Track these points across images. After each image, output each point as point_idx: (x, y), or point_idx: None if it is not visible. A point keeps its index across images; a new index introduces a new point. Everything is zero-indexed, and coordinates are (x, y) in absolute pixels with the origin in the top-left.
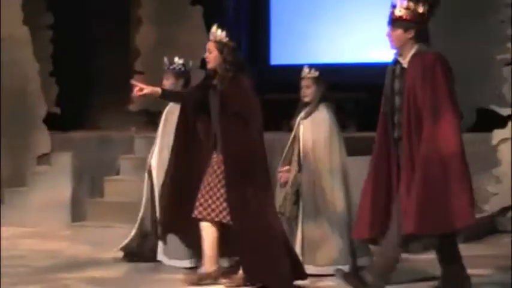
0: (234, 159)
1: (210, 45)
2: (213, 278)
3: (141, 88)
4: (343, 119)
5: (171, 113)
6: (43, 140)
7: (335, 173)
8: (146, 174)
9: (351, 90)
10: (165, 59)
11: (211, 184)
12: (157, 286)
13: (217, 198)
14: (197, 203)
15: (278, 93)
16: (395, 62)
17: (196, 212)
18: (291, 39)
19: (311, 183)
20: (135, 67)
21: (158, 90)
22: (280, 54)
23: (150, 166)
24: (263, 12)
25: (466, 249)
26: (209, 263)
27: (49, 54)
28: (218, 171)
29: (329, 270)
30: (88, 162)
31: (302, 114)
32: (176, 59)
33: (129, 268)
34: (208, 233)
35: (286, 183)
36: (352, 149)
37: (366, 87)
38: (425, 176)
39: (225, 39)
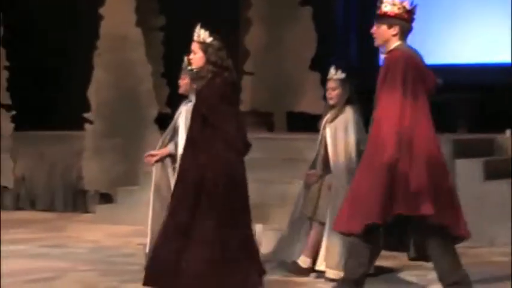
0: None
1: (194, 46)
2: None
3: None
4: (454, 119)
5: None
6: (155, 140)
7: None
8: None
9: (464, 91)
10: (185, 59)
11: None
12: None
13: None
14: None
15: None
16: None
17: None
18: None
19: (338, 187)
20: (244, 68)
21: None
22: None
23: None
24: (372, 12)
25: None
26: None
27: (160, 55)
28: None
29: None
30: None
31: (328, 116)
32: None
33: None
34: None
35: (310, 184)
36: (462, 150)
37: (481, 88)
38: (356, 175)
39: (209, 39)
